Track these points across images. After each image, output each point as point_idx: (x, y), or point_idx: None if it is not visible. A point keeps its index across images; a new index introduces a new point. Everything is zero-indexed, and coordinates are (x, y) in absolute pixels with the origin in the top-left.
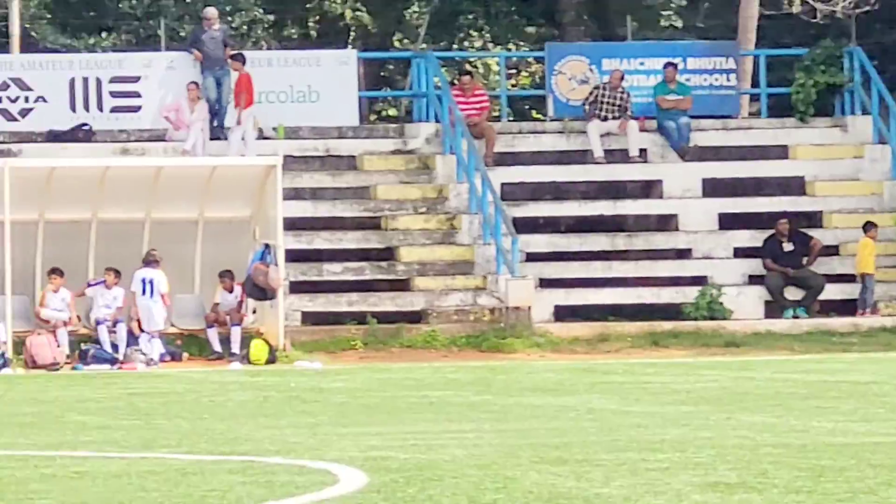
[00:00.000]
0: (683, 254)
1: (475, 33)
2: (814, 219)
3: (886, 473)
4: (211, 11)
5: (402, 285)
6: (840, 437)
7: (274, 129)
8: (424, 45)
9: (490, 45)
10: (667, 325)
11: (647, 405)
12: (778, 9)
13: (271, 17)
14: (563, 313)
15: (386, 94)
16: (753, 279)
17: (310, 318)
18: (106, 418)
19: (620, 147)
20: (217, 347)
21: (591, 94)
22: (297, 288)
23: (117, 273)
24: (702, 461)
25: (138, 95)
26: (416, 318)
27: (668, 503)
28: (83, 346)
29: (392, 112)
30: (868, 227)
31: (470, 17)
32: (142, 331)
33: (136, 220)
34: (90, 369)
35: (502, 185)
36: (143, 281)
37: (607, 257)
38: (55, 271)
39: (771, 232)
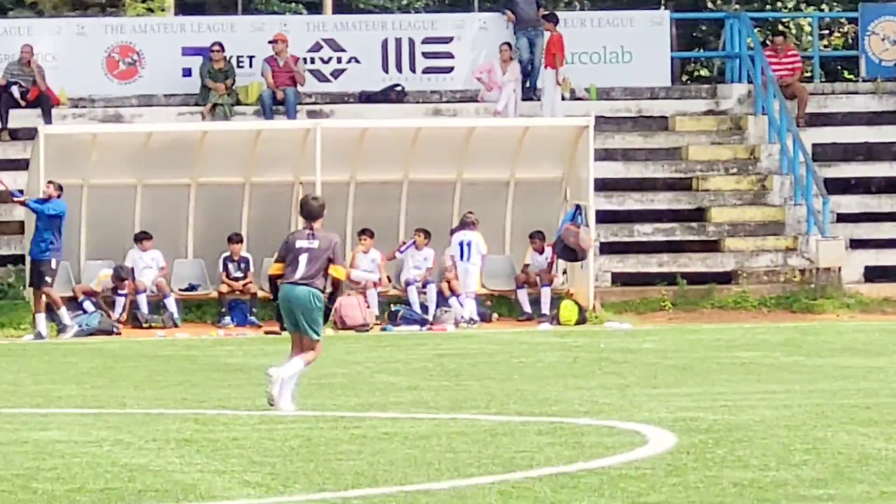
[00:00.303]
0: None
1: None
2: None
3: None
4: None
5: (712, 246)
6: None
7: (586, 89)
8: (737, 6)
9: (803, 6)
10: None
11: None
12: None
13: None
14: (874, 274)
15: (698, 55)
16: None
17: (620, 279)
18: (415, 379)
19: None
20: (527, 308)
21: None
22: (607, 249)
23: (427, 234)
24: None
25: (451, 56)
26: (726, 278)
27: None
28: (393, 308)
29: (704, 73)
30: None
31: None
32: (452, 292)
33: (447, 181)
34: (399, 330)
35: (813, 145)
36: (462, 244)
37: None
38: (365, 232)
39: None
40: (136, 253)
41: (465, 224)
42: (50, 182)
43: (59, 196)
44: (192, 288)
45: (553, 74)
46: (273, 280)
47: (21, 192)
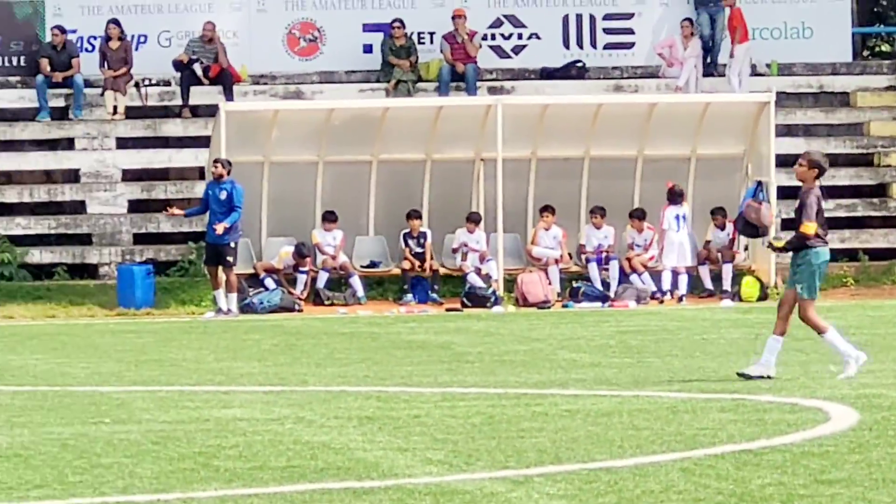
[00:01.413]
0: None
1: None
2: None
3: None
4: None
5: (894, 222)
6: None
7: (767, 65)
8: None
9: None
10: None
11: None
12: None
13: None
14: None
15: (880, 30)
16: None
17: None
18: (597, 356)
19: None
20: (708, 284)
21: None
22: (788, 225)
23: (603, 213)
24: None
25: (632, 32)
26: None
27: None
28: (574, 284)
29: (885, 48)
30: None
31: None
32: (633, 269)
33: (629, 157)
34: (581, 307)
35: None
36: (678, 217)
37: None
38: (547, 209)
39: None
40: (321, 233)
41: (676, 195)
42: (217, 161)
43: (228, 173)
44: (373, 265)
45: (745, 48)
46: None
47: (192, 212)
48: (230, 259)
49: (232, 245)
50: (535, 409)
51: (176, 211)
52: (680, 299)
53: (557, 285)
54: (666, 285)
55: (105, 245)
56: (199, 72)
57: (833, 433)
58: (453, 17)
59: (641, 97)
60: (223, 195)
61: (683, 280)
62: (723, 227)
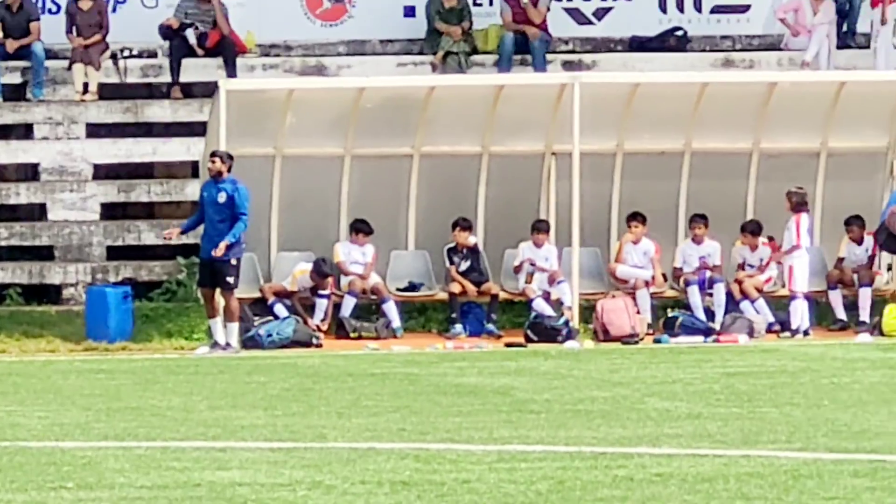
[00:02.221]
0: None
1: None
2: None
3: None
4: None
5: None
6: None
7: None
8: None
9: None
10: None
11: None
12: None
13: None
14: None
15: None
16: None
17: None
18: (697, 405)
19: None
20: (841, 314)
21: None
22: None
23: (706, 223)
24: None
25: None
26: None
27: None
28: (670, 313)
29: None
30: None
31: None
32: (744, 295)
33: (741, 150)
34: (678, 341)
35: None
36: (809, 230)
37: None
38: (636, 217)
39: None
40: (347, 246)
41: (800, 203)
42: (214, 155)
43: (229, 170)
44: (412, 287)
45: (892, 12)
46: None
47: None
48: (230, 280)
49: (233, 262)
50: (616, 473)
51: (175, 231)
52: (805, 333)
53: (648, 314)
54: (797, 317)
55: (70, 261)
56: (192, 40)
57: None
58: None
59: (758, 75)
60: (222, 198)
61: (805, 308)
62: (860, 242)
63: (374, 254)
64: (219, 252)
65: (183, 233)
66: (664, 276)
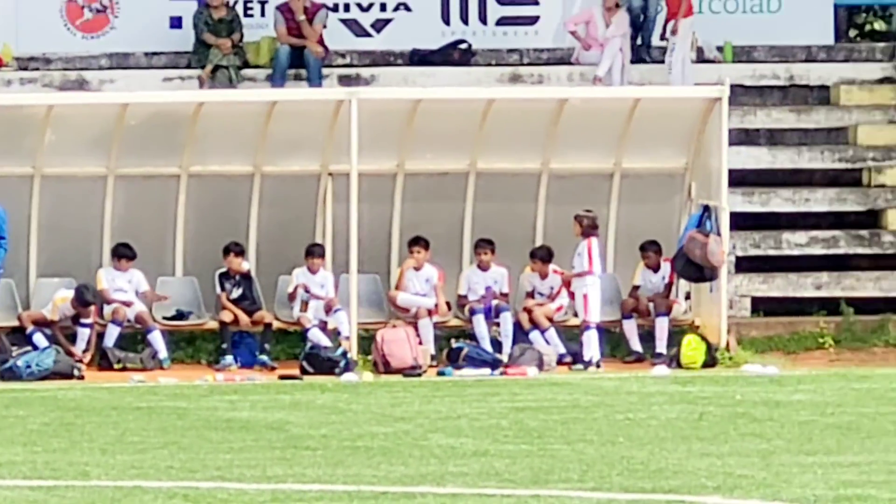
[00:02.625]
0: None
1: None
2: None
3: None
4: None
5: (889, 262)
6: None
7: (719, 48)
8: None
9: None
10: None
11: None
12: None
13: None
14: None
15: (871, 2)
16: None
17: (762, 306)
18: (484, 441)
19: None
20: (636, 346)
21: None
22: (746, 265)
23: (492, 248)
24: None
25: (535, 2)
26: None
27: None
28: (454, 343)
29: (879, 26)
30: None
31: None
32: (533, 324)
33: (529, 171)
34: (463, 374)
35: None
36: (589, 253)
37: None
38: (418, 242)
39: None
40: (110, 273)
41: (591, 227)
42: None
43: None
44: (180, 316)
45: (687, 25)
46: None
47: None
48: None
49: None
50: None
51: None
52: (597, 365)
53: (432, 345)
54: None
55: None
56: None
57: None
58: None
59: (547, 90)
60: None
61: (593, 339)
62: (656, 268)
63: (142, 280)
64: None
65: None
66: (448, 304)
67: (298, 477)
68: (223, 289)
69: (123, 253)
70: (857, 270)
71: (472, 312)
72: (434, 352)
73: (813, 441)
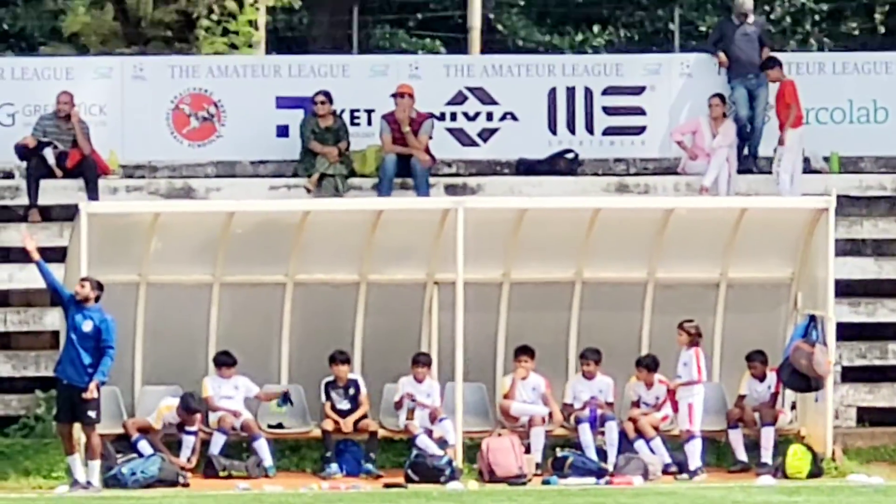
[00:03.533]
0: None
1: None
2: None
3: None
4: (746, 1)
5: None
6: None
7: (825, 158)
8: None
9: None
10: None
11: None
12: None
13: (825, 7)
14: None
15: None
16: None
17: (868, 417)
18: None
19: None
20: (742, 455)
21: None
22: (852, 376)
23: (598, 358)
24: None
25: (642, 112)
26: None
27: None
28: (559, 453)
29: None
30: None
31: None
32: (639, 433)
33: (635, 280)
34: (568, 483)
35: None
36: (689, 362)
37: None
38: (525, 351)
39: None
40: (216, 380)
41: (697, 335)
42: (85, 280)
43: (97, 299)
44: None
45: (796, 135)
46: None
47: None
48: (92, 414)
49: (94, 393)
50: None
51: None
52: (693, 473)
53: (539, 453)
54: (694, 458)
55: None
56: (51, 160)
57: None
58: (394, 97)
59: (653, 200)
60: (87, 327)
61: (696, 448)
62: (762, 378)
63: (248, 387)
64: (90, 394)
65: (40, 267)
66: (550, 414)
67: None
68: (328, 398)
69: (224, 361)
70: None
71: (578, 421)
72: (540, 460)
73: None
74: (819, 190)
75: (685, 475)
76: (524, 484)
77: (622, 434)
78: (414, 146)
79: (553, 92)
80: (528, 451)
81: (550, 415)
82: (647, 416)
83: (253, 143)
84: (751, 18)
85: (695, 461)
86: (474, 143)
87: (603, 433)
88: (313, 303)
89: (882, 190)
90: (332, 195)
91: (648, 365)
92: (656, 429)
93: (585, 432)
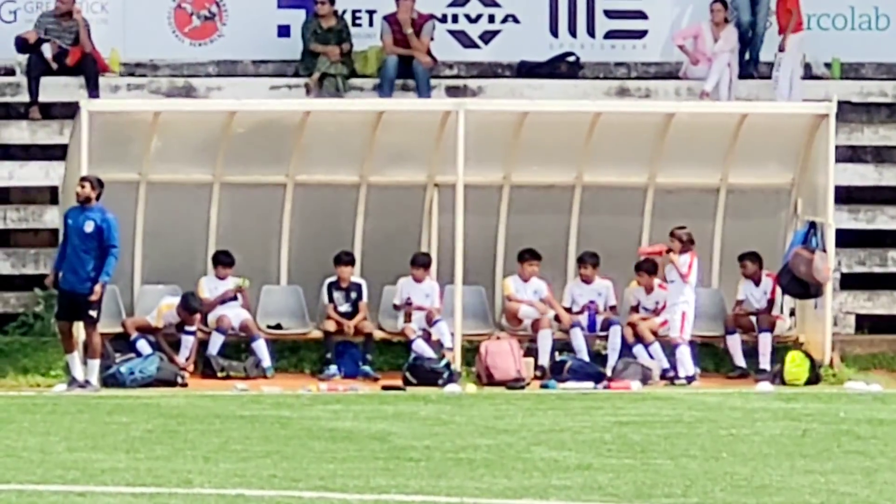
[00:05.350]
0: None
1: None
2: None
3: None
4: None
5: None
6: None
7: (826, 64)
8: None
9: None
10: None
11: None
12: None
13: None
14: None
15: None
16: None
17: (867, 324)
18: (587, 455)
19: None
20: (740, 361)
21: None
22: (851, 282)
23: (595, 261)
24: None
25: (643, 16)
26: None
27: None
28: (557, 356)
29: None
30: None
31: None
32: (638, 338)
33: (635, 185)
34: (566, 387)
35: None
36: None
37: None
38: (530, 254)
39: None
40: (212, 281)
41: (689, 241)
42: (84, 179)
43: (98, 197)
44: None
45: (796, 41)
46: None
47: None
48: (93, 313)
49: (98, 295)
50: None
51: (50, 279)
52: (690, 378)
53: (547, 356)
54: (685, 365)
55: None
56: (48, 55)
57: None
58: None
59: (654, 104)
60: (89, 227)
61: (687, 354)
62: (757, 282)
63: (245, 294)
64: (95, 296)
65: (58, 273)
66: (556, 317)
67: (401, 488)
68: (331, 299)
69: (222, 260)
70: None
71: (571, 325)
72: (545, 363)
73: None
74: (820, 96)
75: (683, 380)
76: (522, 388)
77: (622, 337)
78: (415, 48)
79: None
80: (526, 354)
81: (556, 317)
82: (646, 321)
83: (254, 43)
84: None
85: (685, 368)
86: (475, 45)
87: (605, 337)
88: (313, 204)
89: (883, 97)
90: (333, 95)
91: (648, 269)
92: (655, 334)
93: (577, 336)
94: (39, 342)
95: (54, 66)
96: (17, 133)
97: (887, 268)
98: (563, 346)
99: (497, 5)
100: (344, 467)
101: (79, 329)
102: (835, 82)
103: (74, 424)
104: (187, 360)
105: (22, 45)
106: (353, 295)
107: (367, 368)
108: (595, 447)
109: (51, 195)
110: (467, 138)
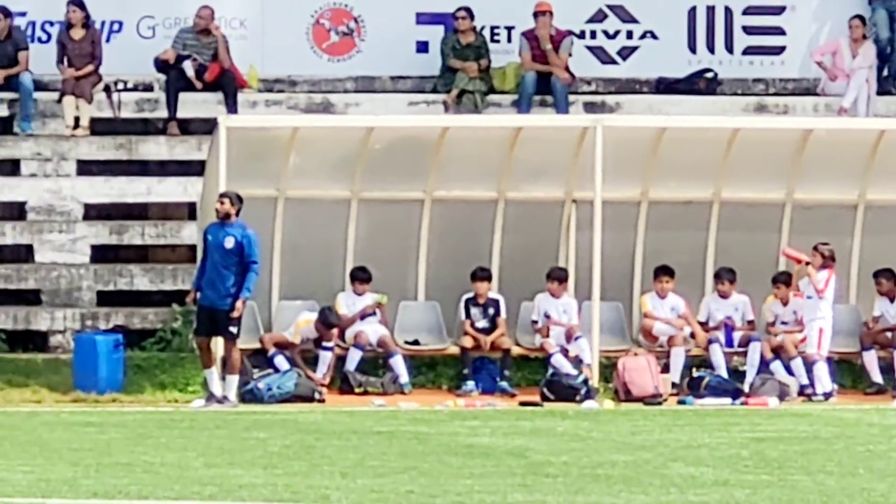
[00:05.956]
0: None
1: None
2: None
3: None
4: None
5: None
6: None
7: None
8: None
9: None
10: None
11: None
12: None
13: None
14: None
15: None
16: None
17: None
18: (724, 471)
19: None
20: (877, 377)
21: None
22: None
23: (732, 277)
24: None
25: (781, 32)
26: None
27: None
28: (695, 372)
29: None
30: None
31: None
32: (776, 354)
33: (772, 201)
34: (704, 403)
35: None
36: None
37: None
38: (665, 271)
39: None
40: (349, 297)
41: (830, 258)
42: (224, 195)
43: (237, 213)
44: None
45: None
46: None
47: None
48: (233, 329)
49: (240, 311)
50: None
51: (191, 296)
52: (827, 395)
53: (678, 373)
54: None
55: (59, 306)
56: (190, 72)
57: None
58: (535, 15)
59: (792, 121)
60: (230, 243)
61: (824, 370)
62: (892, 299)
63: (383, 311)
64: (237, 313)
65: (199, 290)
66: (692, 334)
67: None
68: (468, 315)
69: (360, 276)
70: None
71: (709, 342)
72: (676, 380)
73: None
74: None
75: (820, 397)
76: (660, 404)
77: (760, 355)
78: (554, 64)
79: (693, 10)
80: (664, 370)
81: (692, 334)
82: (789, 334)
83: (392, 58)
84: None
85: (822, 385)
86: (613, 62)
87: (741, 353)
88: (451, 219)
89: None
90: (471, 111)
91: (786, 281)
92: (797, 348)
93: (716, 353)
94: (177, 358)
95: (198, 84)
96: (156, 149)
97: None
98: (700, 362)
99: (635, 21)
100: (481, 483)
101: (217, 345)
102: None
103: (212, 440)
104: (325, 375)
105: (162, 64)
106: (491, 311)
107: (504, 384)
108: (732, 463)
109: (189, 211)
110: (605, 154)
